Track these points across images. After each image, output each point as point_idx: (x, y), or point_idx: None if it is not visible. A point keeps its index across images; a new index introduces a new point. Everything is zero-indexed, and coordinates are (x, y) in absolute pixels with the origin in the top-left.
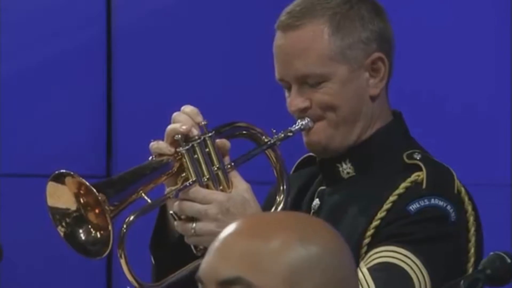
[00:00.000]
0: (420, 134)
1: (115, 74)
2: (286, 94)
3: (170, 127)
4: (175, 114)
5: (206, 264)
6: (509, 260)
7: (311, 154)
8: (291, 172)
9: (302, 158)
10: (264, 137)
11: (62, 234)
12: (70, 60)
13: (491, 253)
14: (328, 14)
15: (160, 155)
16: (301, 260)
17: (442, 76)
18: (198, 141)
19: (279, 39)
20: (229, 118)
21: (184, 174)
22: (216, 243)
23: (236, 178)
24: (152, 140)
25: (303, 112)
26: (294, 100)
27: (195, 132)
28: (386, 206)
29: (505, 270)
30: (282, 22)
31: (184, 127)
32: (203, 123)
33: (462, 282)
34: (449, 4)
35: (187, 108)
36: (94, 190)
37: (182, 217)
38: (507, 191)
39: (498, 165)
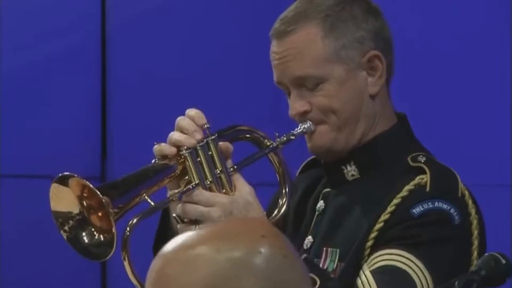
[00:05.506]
0: (420, 134)
1: (109, 74)
2: (288, 99)
3: (174, 137)
4: (179, 119)
5: None
6: (503, 261)
7: None
8: (298, 174)
9: (308, 160)
10: (266, 140)
11: (65, 237)
12: (64, 60)
13: (486, 254)
14: (320, 17)
15: (163, 157)
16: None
17: (442, 77)
18: (201, 144)
19: (274, 46)
20: (226, 120)
21: (187, 177)
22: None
23: (239, 181)
24: (155, 143)
25: (303, 116)
26: (294, 104)
27: (198, 136)
28: (390, 208)
29: (500, 271)
30: (275, 29)
31: (189, 141)
32: (206, 126)
33: (456, 283)
34: (449, 5)
35: (192, 112)
36: (98, 193)
37: (185, 220)
38: (507, 191)
39: (498, 165)
